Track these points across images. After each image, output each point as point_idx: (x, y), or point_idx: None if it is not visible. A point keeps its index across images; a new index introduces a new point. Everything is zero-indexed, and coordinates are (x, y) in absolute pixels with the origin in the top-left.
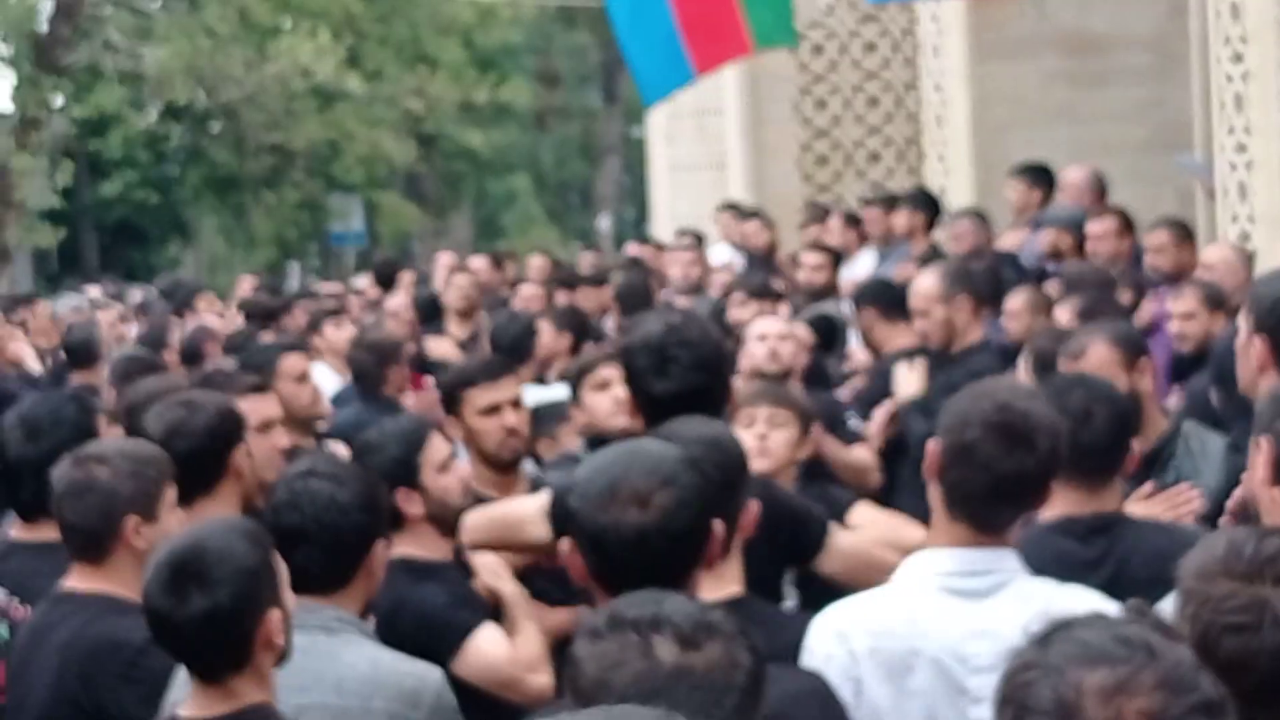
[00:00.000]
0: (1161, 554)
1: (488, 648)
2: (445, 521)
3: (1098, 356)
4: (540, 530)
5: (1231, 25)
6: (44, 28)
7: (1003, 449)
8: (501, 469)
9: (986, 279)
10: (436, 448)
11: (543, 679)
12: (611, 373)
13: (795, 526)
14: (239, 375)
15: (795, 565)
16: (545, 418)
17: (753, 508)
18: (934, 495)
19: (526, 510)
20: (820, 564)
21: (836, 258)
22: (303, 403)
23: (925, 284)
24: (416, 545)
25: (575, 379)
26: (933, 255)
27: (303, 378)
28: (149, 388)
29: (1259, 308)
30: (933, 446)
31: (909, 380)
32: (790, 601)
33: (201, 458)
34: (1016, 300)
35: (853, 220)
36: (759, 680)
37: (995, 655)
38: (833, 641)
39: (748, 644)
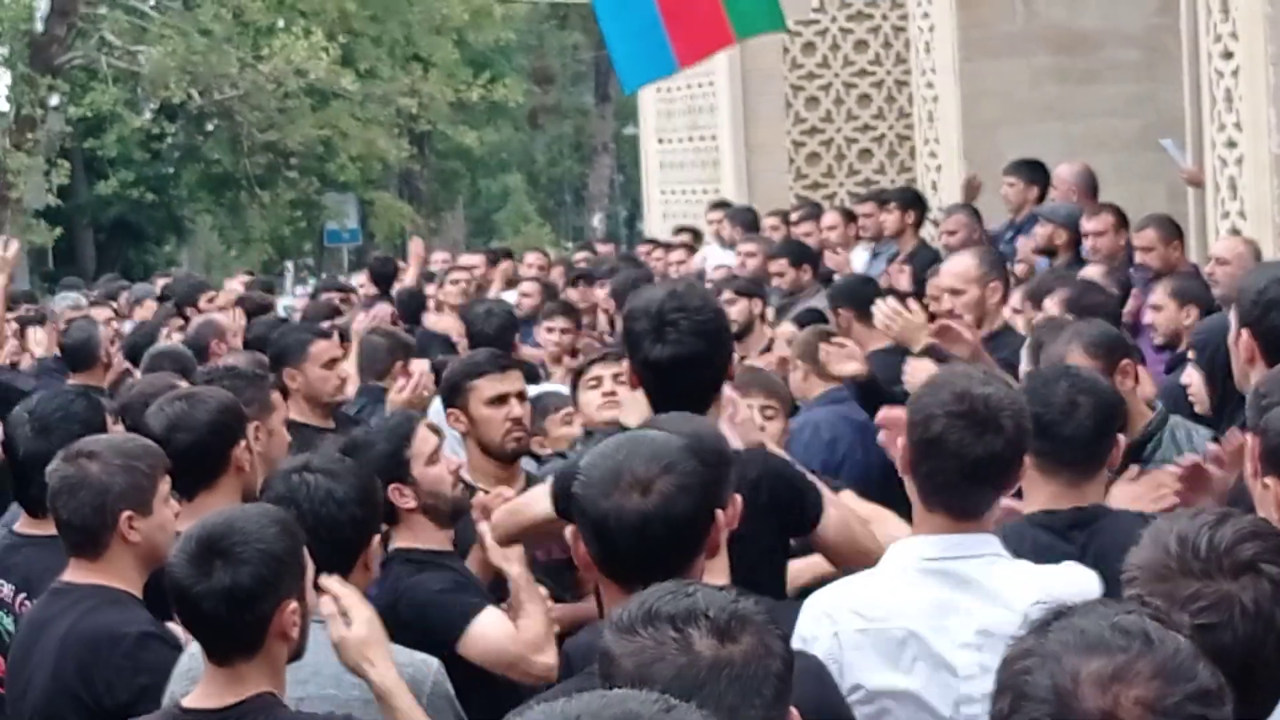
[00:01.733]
0: None
1: (491, 629)
2: (439, 512)
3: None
4: (545, 506)
5: (1221, 21)
6: (40, 27)
7: (972, 435)
8: (503, 461)
9: None
10: (424, 440)
11: (547, 658)
12: (601, 370)
13: (797, 496)
14: (260, 374)
15: (796, 535)
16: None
17: (737, 501)
18: (910, 490)
19: (535, 495)
20: (817, 536)
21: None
22: (329, 388)
23: (963, 264)
24: (413, 538)
25: (574, 379)
26: (924, 253)
27: (331, 364)
28: (144, 385)
29: (1243, 302)
30: (902, 444)
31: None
32: None
33: (203, 452)
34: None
35: (849, 216)
36: (791, 666)
37: (977, 632)
38: (819, 624)
39: (779, 632)
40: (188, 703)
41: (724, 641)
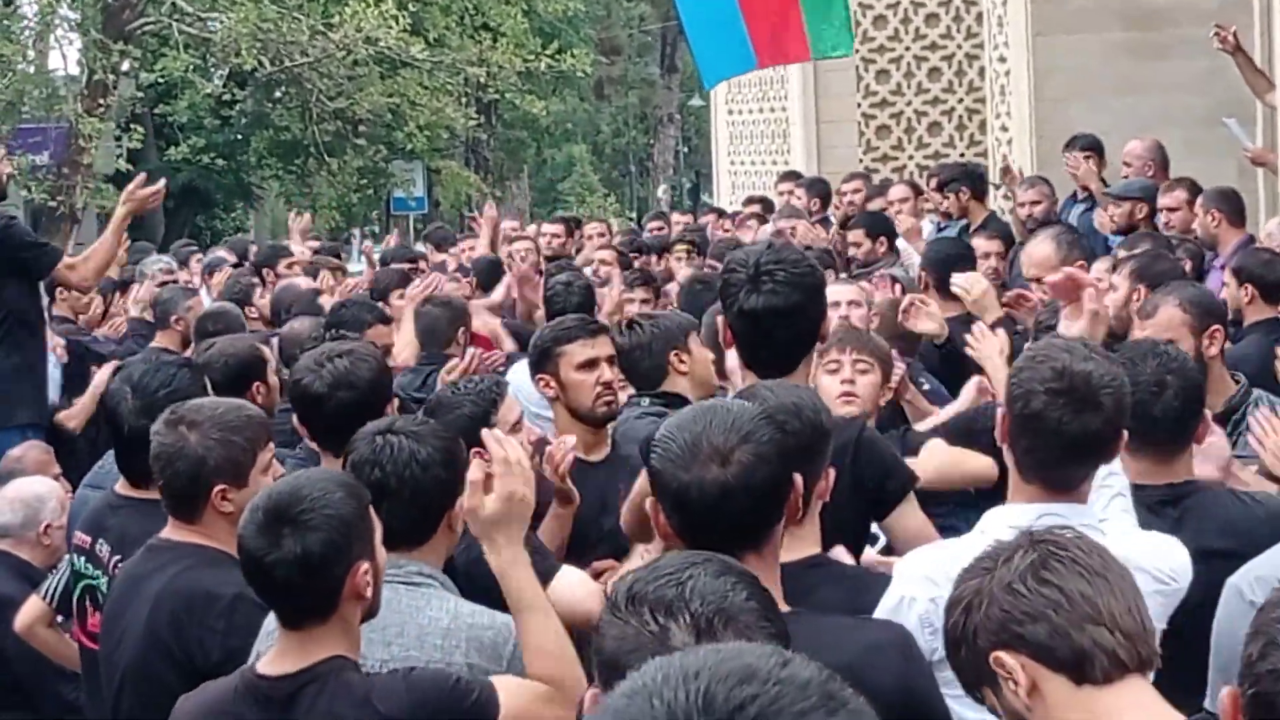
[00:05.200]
0: (1235, 523)
1: (569, 588)
2: None
3: (1167, 317)
4: None
5: None
6: None
7: (1070, 413)
8: (593, 425)
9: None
10: (510, 407)
11: None
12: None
13: (884, 474)
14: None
15: (875, 515)
16: None
17: (830, 474)
18: (1008, 458)
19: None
20: (892, 523)
21: None
22: None
23: (1043, 252)
24: None
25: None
26: (995, 224)
27: (387, 350)
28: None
29: None
30: (1001, 415)
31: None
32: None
33: (363, 409)
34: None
35: (917, 190)
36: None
37: None
38: (918, 586)
39: (770, 631)
40: (261, 667)
41: (700, 640)
